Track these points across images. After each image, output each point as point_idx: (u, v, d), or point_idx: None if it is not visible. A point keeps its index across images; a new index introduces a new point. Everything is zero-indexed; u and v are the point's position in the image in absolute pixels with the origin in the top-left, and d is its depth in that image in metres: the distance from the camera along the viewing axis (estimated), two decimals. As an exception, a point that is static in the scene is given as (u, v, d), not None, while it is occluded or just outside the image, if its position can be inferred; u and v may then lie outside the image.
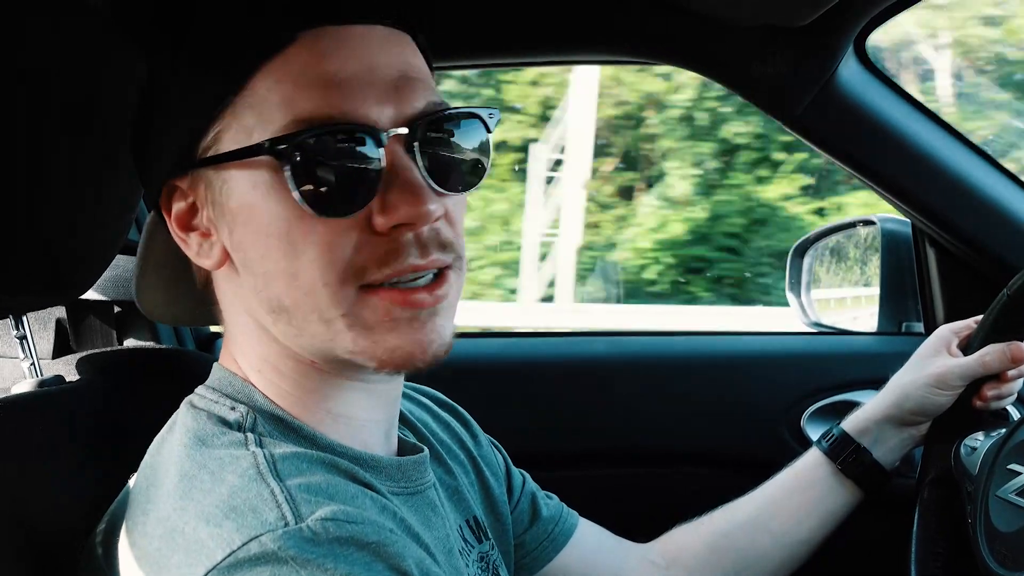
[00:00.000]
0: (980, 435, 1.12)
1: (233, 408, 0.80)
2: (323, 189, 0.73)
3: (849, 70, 1.40)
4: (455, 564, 0.88)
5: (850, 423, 1.22)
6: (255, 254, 0.77)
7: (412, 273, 0.76)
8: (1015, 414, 1.21)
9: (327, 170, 0.72)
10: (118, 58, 0.89)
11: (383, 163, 0.74)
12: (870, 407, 1.22)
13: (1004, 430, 1.06)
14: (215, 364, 0.87)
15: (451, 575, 0.86)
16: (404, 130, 0.75)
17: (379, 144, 0.74)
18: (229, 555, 0.66)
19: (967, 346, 1.19)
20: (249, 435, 0.76)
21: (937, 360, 1.18)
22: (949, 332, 1.22)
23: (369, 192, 0.74)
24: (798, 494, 1.20)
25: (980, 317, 1.20)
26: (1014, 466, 1.00)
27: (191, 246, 0.81)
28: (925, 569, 1.12)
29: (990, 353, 1.14)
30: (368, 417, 0.85)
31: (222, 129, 0.76)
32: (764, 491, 1.22)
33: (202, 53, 0.77)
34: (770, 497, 1.21)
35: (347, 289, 0.75)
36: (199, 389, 0.84)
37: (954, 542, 1.10)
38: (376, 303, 0.75)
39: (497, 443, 1.14)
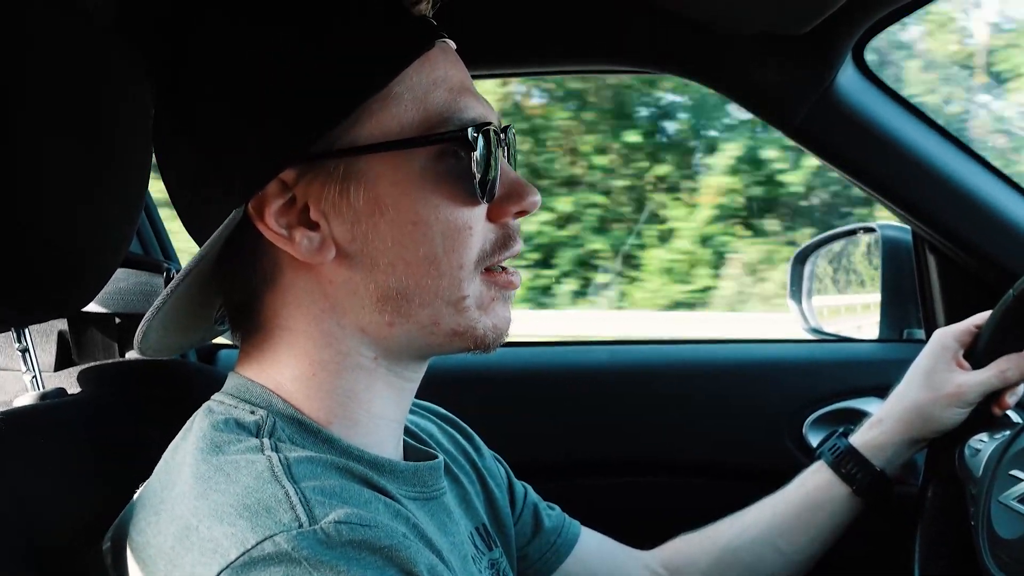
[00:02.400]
0: (984, 436, 1.12)
1: (252, 412, 0.81)
2: (476, 179, 0.81)
3: (848, 78, 1.41)
4: (469, 570, 0.89)
5: (864, 443, 1.19)
6: (386, 242, 0.80)
7: (514, 257, 0.86)
8: (1018, 419, 1.21)
9: (490, 161, 0.81)
10: (120, 69, 0.90)
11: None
12: (886, 427, 1.19)
13: (1008, 433, 1.06)
14: (231, 373, 0.87)
15: None
16: (503, 133, 0.87)
17: (503, 144, 0.85)
18: (243, 554, 0.66)
19: (971, 350, 1.18)
20: (265, 440, 0.76)
21: (952, 377, 1.16)
22: (951, 339, 1.19)
23: (497, 184, 0.83)
24: (809, 513, 1.19)
25: (976, 318, 1.20)
26: (1017, 472, 1.00)
27: (298, 243, 0.80)
28: (929, 570, 1.12)
29: (1011, 367, 1.14)
30: (390, 416, 0.87)
31: (358, 123, 0.78)
32: (773, 507, 1.21)
33: (345, 49, 0.79)
34: (780, 515, 1.20)
35: (475, 270, 0.83)
36: (216, 395, 0.85)
37: (958, 543, 1.10)
38: (492, 283, 0.85)
39: (499, 457, 1.14)
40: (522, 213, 0.86)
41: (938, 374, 1.17)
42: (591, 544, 1.18)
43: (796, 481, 1.22)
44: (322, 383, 0.83)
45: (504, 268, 0.86)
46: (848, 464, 1.18)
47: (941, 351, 1.19)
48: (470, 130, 0.80)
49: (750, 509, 1.22)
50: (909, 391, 1.19)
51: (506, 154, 0.87)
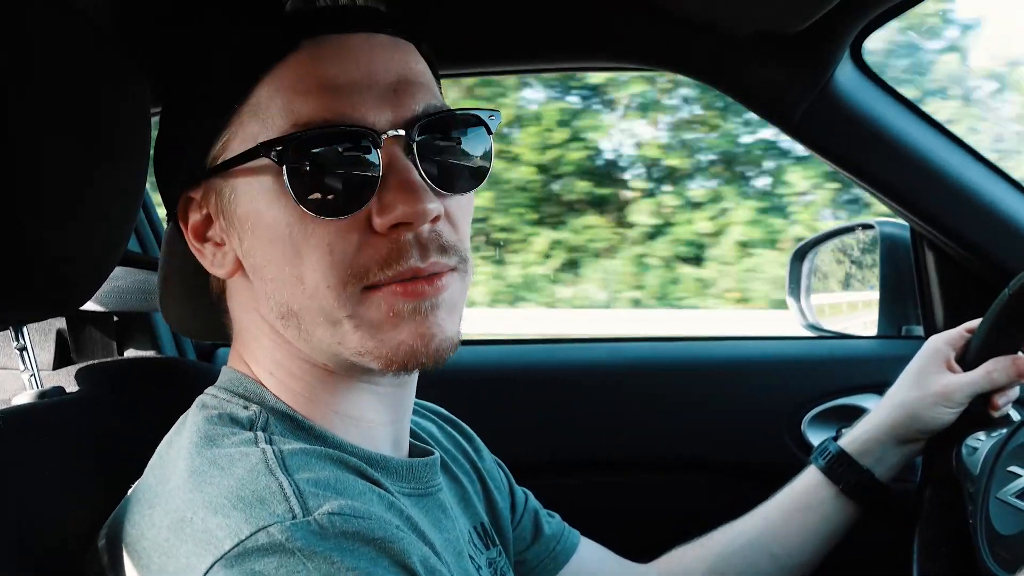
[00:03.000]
0: (981, 435, 1.12)
1: (246, 407, 0.81)
2: (321, 191, 0.74)
3: (846, 75, 1.40)
4: (465, 567, 0.89)
5: (851, 443, 1.20)
6: (263, 260, 0.79)
7: (413, 276, 0.76)
8: (1015, 416, 1.21)
9: (324, 172, 0.74)
10: (118, 69, 0.90)
11: (380, 165, 0.75)
12: (872, 426, 1.20)
13: (1005, 431, 1.06)
14: (224, 367, 0.88)
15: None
16: (401, 132, 0.76)
17: (376, 146, 0.75)
18: (237, 544, 0.66)
19: (965, 350, 1.18)
20: (259, 433, 0.77)
21: (940, 378, 1.17)
22: (944, 344, 1.20)
23: (367, 193, 0.75)
24: (800, 516, 1.19)
25: (970, 324, 1.20)
26: (1014, 468, 1.00)
27: (206, 256, 0.83)
28: (927, 569, 1.12)
29: (997, 369, 1.14)
30: (378, 420, 0.86)
31: (229, 138, 0.78)
32: (764, 513, 1.21)
33: (209, 63, 0.79)
34: (771, 520, 1.20)
35: (350, 290, 0.76)
36: (210, 389, 0.85)
37: (956, 542, 1.10)
38: (379, 299, 0.76)
39: (500, 461, 1.14)
40: (405, 226, 0.76)
41: (928, 375, 1.18)
42: (590, 554, 1.18)
43: (787, 486, 1.22)
44: (291, 384, 0.84)
45: (413, 278, 0.77)
46: (836, 465, 1.19)
47: (933, 354, 1.20)
48: (260, 145, 0.74)
49: (743, 517, 1.22)
50: (899, 391, 1.20)
51: (415, 157, 0.77)
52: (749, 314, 6.06)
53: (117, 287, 1.34)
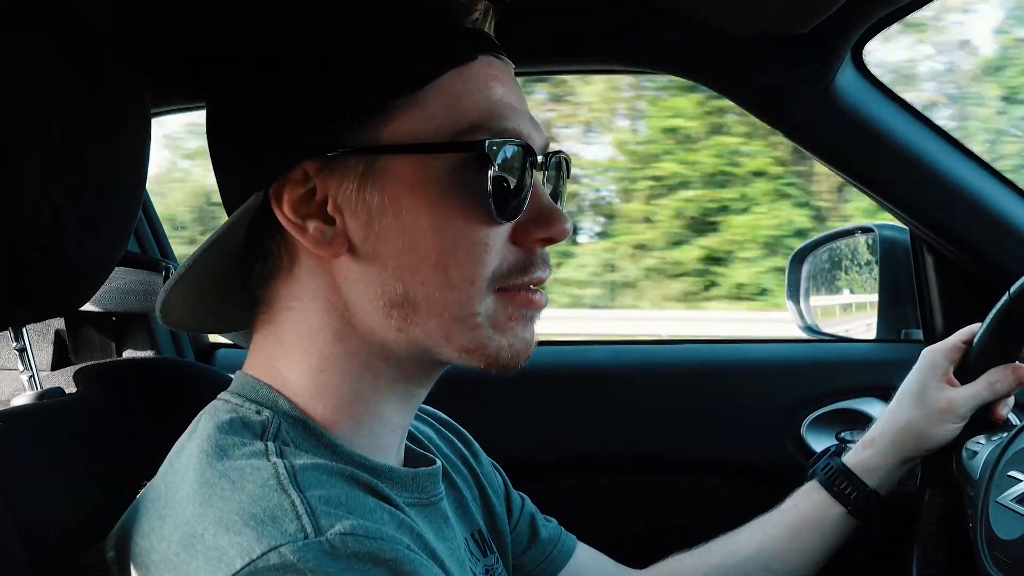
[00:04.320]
0: (982, 439, 1.12)
1: (258, 412, 0.80)
2: (505, 194, 0.79)
3: (847, 78, 1.40)
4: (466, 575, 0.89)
5: (857, 462, 1.19)
6: (398, 246, 0.79)
7: (538, 284, 0.84)
8: (1016, 421, 1.21)
9: (515, 177, 0.80)
10: (118, 70, 0.89)
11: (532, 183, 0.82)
12: (878, 447, 1.19)
13: (1006, 435, 1.06)
14: (238, 372, 0.87)
15: None
16: (540, 158, 0.84)
17: (534, 166, 0.82)
18: (248, 564, 0.66)
19: (963, 360, 1.18)
20: (270, 444, 0.76)
21: (942, 393, 1.16)
22: (941, 358, 1.19)
23: (523, 205, 0.81)
24: (802, 533, 1.19)
25: (963, 332, 1.20)
26: (1015, 473, 1.00)
27: (308, 233, 0.80)
28: (927, 573, 1.12)
29: (999, 379, 1.14)
30: (397, 423, 0.87)
31: (386, 120, 0.78)
32: (764, 527, 1.20)
33: (384, 49, 0.79)
34: (773, 535, 1.19)
35: (488, 289, 0.81)
36: (222, 395, 0.85)
37: (956, 546, 1.10)
38: (508, 303, 0.82)
39: (497, 465, 1.14)
40: (549, 240, 0.83)
41: (929, 392, 1.17)
42: (586, 558, 1.18)
43: (789, 501, 1.22)
44: (330, 380, 0.83)
45: (527, 287, 0.84)
46: (842, 484, 1.18)
47: (931, 369, 1.19)
48: (488, 142, 0.78)
49: (743, 529, 1.21)
50: (901, 411, 1.19)
51: (551, 180, 0.87)
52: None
53: (116, 287, 1.34)
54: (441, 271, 0.79)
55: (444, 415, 1.13)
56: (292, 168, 0.79)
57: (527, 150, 0.80)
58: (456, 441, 1.09)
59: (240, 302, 0.89)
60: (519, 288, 0.83)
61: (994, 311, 1.14)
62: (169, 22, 1.10)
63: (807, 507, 1.20)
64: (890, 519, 1.18)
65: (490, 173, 0.78)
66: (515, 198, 0.80)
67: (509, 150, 0.79)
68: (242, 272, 0.86)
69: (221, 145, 0.84)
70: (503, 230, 0.81)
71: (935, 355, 1.20)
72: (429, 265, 0.79)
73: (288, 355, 0.84)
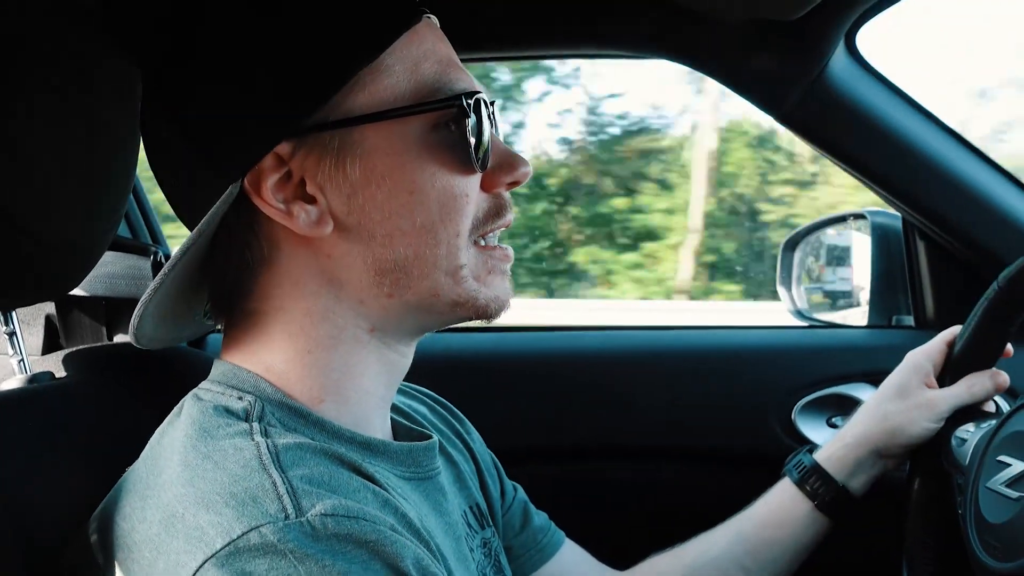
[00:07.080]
0: (971, 426, 1.12)
1: (240, 398, 0.80)
2: (480, 146, 0.82)
3: (840, 65, 1.40)
4: (462, 550, 0.89)
5: (827, 457, 1.19)
6: (381, 215, 0.80)
7: (504, 228, 0.88)
8: (1005, 406, 1.22)
9: (486, 130, 0.83)
10: (108, 57, 0.89)
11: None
12: (851, 440, 1.19)
13: (994, 422, 1.07)
14: (216, 360, 0.87)
15: (459, 560, 0.87)
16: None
17: (492, 116, 0.86)
18: (228, 544, 0.66)
19: (946, 362, 1.19)
20: (255, 425, 0.76)
21: (923, 393, 1.16)
22: (925, 359, 1.19)
23: (490, 153, 0.85)
24: (772, 531, 1.18)
25: (946, 333, 1.20)
26: (1004, 457, 1.01)
27: (296, 217, 0.79)
28: (916, 561, 1.13)
29: (977, 384, 1.15)
30: (380, 395, 0.88)
31: (352, 93, 0.79)
32: (737, 525, 1.20)
33: (337, 22, 0.79)
34: (744, 533, 1.19)
35: (469, 240, 0.84)
36: (203, 383, 0.84)
37: (945, 534, 1.11)
38: (487, 257, 0.86)
39: (491, 453, 1.15)
40: (514, 183, 0.87)
41: (910, 391, 1.17)
42: (572, 556, 1.18)
43: (761, 499, 1.22)
44: (317, 359, 0.83)
45: (497, 244, 0.88)
46: (812, 480, 1.18)
47: (914, 370, 1.19)
48: (464, 98, 0.81)
49: (718, 527, 1.21)
50: (880, 403, 1.19)
51: (494, 127, 0.88)
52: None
53: (107, 272, 1.33)
54: (429, 230, 0.81)
55: (438, 396, 1.13)
56: (266, 153, 0.78)
57: (486, 102, 0.84)
58: (449, 418, 1.10)
59: (200, 303, 0.89)
60: (495, 244, 0.88)
61: (980, 303, 1.14)
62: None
63: (776, 504, 1.19)
64: (861, 523, 1.18)
65: (469, 126, 0.81)
66: (485, 147, 0.83)
67: (475, 104, 0.82)
68: (213, 272, 0.85)
69: (180, 149, 0.81)
70: (476, 180, 0.84)
71: (919, 356, 1.20)
72: (416, 226, 0.81)
73: (271, 341, 0.84)
